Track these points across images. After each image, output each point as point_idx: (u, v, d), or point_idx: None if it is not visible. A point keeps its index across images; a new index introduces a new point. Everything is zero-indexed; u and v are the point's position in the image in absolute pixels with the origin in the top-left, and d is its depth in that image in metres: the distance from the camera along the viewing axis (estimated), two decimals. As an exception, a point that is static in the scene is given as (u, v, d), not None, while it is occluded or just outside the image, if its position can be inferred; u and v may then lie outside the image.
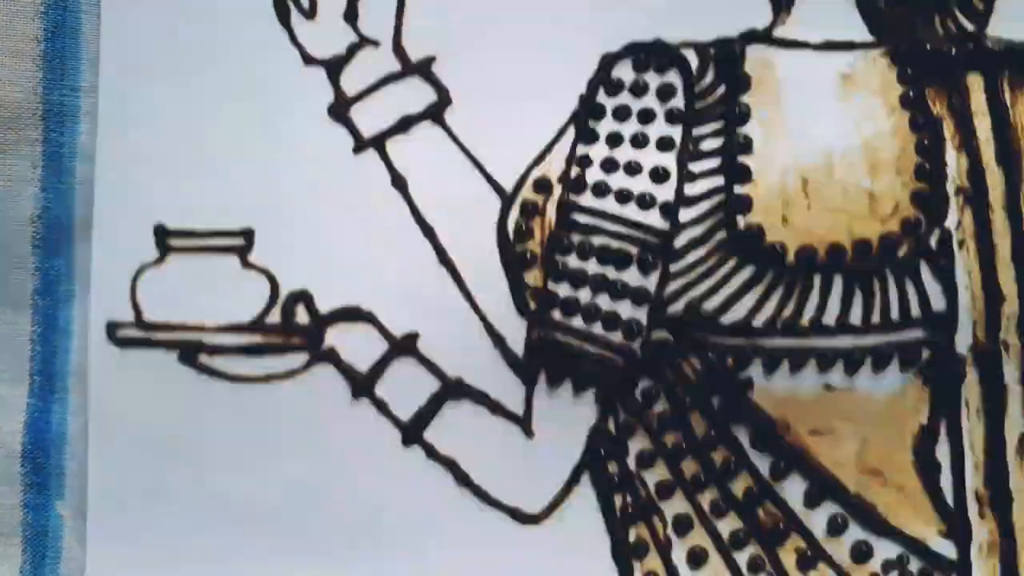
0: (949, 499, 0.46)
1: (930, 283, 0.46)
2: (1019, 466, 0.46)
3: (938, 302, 0.46)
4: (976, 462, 0.46)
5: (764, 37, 0.47)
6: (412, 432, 0.47)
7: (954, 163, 0.46)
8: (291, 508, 0.47)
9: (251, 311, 0.47)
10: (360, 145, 0.47)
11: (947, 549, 0.46)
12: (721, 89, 0.47)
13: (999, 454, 0.46)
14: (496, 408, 0.46)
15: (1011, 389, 0.46)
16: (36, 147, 0.47)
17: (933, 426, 0.46)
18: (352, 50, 0.47)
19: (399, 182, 0.47)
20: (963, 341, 0.46)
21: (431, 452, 0.47)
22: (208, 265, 0.47)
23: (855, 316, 0.45)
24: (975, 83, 0.47)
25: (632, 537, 0.47)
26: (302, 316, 0.47)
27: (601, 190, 0.46)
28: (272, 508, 0.47)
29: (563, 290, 0.46)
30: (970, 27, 0.47)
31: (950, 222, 0.46)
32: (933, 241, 0.46)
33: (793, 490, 0.46)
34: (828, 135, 0.46)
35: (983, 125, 0.47)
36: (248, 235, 0.47)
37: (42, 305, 0.48)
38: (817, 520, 0.46)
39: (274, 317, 0.46)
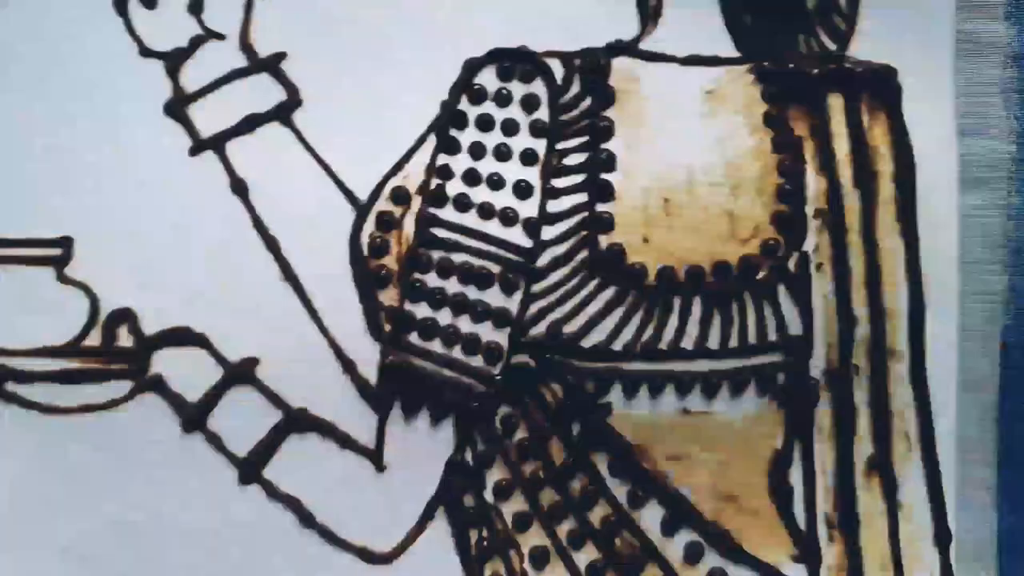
0: (802, 523, 0.46)
1: (787, 307, 0.46)
2: (867, 488, 0.47)
3: (795, 326, 0.46)
4: (826, 486, 0.47)
5: (630, 49, 0.47)
6: (249, 469, 0.45)
7: (813, 185, 0.46)
8: (115, 555, 0.44)
9: (68, 332, 0.44)
10: (197, 146, 0.45)
11: (799, 573, 0.46)
12: (586, 102, 0.46)
13: (848, 477, 0.47)
14: (345, 441, 0.45)
15: (861, 412, 0.47)
16: None
17: (787, 450, 0.46)
18: (195, 43, 0.46)
19: (239, 187, 0.45)
20: (817, 365, 0.46)
21: (271, 491, 0.45)
22: (20, 279, 0.44)
23: (713, 340, 0.45)
24: (836, 104, 0.47)
25: (487, 574, 0.46)
26: (125, 338, 0.44)
27: (463, 204, 0.45)
28: (94, 554, 0.44)
29: (421, 311, 0.45)
30: (832, 47, 0.48)
31: (808, 245, 0.46)
32: (792, 264, 0.46)
33: (651, 518, 0.46)
34: (691, 154, 0.46)
35: (842, 147, 0.47)
36: (65, 244, 0.44)
37: None
38: (674, 549, 0.46)
39: (94, 339, 0.44)
